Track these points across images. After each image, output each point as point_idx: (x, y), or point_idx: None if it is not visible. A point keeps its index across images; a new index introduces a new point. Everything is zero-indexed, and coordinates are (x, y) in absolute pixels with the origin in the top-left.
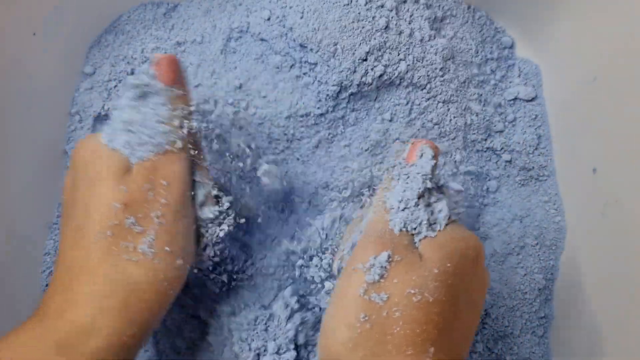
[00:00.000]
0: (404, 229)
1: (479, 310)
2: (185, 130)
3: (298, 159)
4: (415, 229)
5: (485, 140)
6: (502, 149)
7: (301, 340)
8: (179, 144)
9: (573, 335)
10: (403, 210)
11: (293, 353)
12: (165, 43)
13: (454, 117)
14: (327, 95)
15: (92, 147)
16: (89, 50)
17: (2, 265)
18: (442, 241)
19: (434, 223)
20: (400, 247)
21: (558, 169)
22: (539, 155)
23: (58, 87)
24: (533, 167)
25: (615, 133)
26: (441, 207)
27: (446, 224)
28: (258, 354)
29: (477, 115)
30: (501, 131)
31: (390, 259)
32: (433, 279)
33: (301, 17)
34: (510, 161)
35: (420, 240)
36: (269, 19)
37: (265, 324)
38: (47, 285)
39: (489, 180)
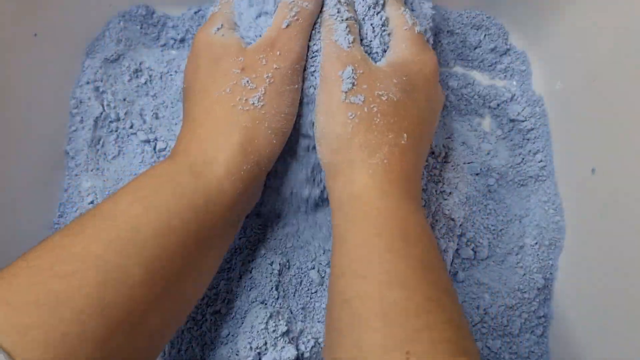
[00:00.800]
0: (351, 45)
1: (437, 117)
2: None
3: None
4: (362, 41)
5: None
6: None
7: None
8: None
9: (572, 335)
10: (346, 28)
11: (294, 351)
12: (164, 43)
13: None
14: None
15: (212, 34)
16: (88, 50)
17: (2, 265)
18: (400, 60)
19: (384, 35)
20: (357, 61)
21: (557, 169)
22: (538, 155)
23: (58, 87)
24: (533, 168)
25: (615, 133)
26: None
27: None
28: (259, 353)
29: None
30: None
31: (354, 72)
32: (393, 86)
33: None
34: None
35: (380, 59)
36: None
37: (266, 323)
38: None
39: (489, 178)
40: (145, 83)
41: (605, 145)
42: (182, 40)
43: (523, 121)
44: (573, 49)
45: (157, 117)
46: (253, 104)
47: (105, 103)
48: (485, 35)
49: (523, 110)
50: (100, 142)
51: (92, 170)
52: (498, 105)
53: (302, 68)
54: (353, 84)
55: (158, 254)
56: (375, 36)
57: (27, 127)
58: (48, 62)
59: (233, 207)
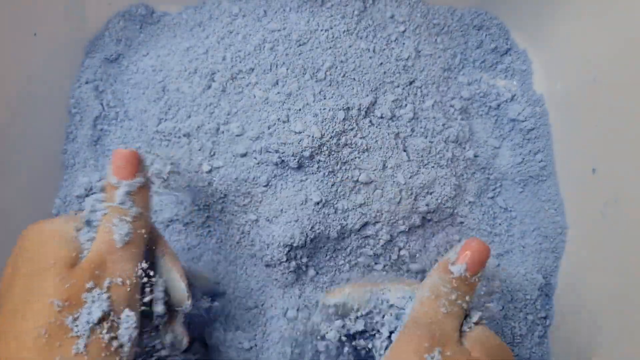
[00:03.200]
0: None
1: None
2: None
3: None
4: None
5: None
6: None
7: None
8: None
9: (573, 335)
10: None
11: None
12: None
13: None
14: None
15: (44, 233)
16: (88, 49)
17: (2, 265)
18: (489, 343)
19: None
20: (449, 339)
21: (558, 169)
22: (539, 155)
23: (58, 86)
24: (533, 168)
25: (615, 133)
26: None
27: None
28: None
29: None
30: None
31: (440, 354)
32: None
33: None
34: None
35: (466, 331)
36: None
37: None
38: None
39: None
40: None
41: (605, 145)
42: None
43: (523, 121)
44: (574, 49)
45: None
46: (77, 352)
47: (104, 102)
48: (486, 35)
49: (523, 110)
50: (100, 142)
51: (90, 169)
52: (499, 105)
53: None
54: None
55: None
56: None
57: (26, 127)
58: (48, 62)
59: None
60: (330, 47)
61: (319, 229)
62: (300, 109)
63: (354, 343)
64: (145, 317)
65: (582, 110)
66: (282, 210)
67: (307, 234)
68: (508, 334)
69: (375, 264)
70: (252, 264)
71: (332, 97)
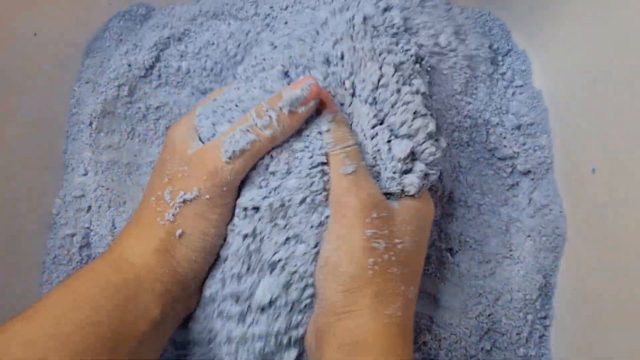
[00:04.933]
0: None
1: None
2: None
3: None
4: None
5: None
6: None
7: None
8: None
9: (573, 335)
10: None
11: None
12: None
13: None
14: None
15: (175, 131)
16: (88, 49)
17: (2, 265)
18: (412, 205)
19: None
20: (380, 203)
21: (557, 169)
22: (539, 155)
23: (58, 86)
24: (533, 168)
25: (615, 133)
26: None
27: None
28: None
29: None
30: (501, 130)
31: (378, 214)
32: (408, 234)
33: None
34: (511, 165)
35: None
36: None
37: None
38: (46, 283)
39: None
40: None
41: (605, 145)
42: (180, 39)
43: (523, 116)
44: (574, 49)
45: None
46: (168, 219)
47: (104, 102)
48: (488, 36)
49: (523, 109)
50: (100, 142)
51: (90, 169)
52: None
53: (235, 189)
54: (376, 230)
55: (82, 349)
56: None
57: (26, 126)
58: (48, 62)
59: (156, 307)
60: None
61: None
62: None
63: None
64: None
65: (582, 110)
66: None
67: None
68: (508, 334)
69: None
70: None
71: None
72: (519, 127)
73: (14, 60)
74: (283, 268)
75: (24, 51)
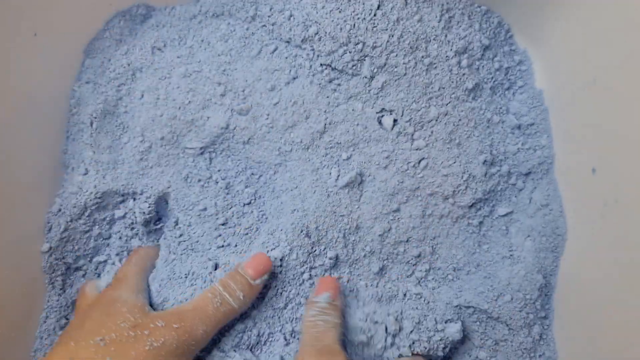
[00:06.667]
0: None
1: None
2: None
3: None
4: None
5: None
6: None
7: None
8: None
9: (573, 336)
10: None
11: None
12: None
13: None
14: None
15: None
16: (88, 49)
17: (1, 265)
18: None
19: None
20: (334, 350)
21: (558, 169)
22: (539, 155)
23: (58, 86)
24: (533, 167)
25: (615, 133)
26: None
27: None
28: None
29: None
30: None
31: None
32: None
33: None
34: (510, 168)
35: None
36: None
37: None
38: (46, 283)
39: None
40: None
41: (605, 145)
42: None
43: (524, 116)
44: (574, 49)
45: None
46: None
47: (103, 102)
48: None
49: (523, 109)
50: (100, 142)
51: (90, 169)
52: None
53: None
54: None
55: None
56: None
57: (26, 127)
58: (48, 62)
59: None
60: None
61: None
62: None
63: None
64: None
65: (582, 110)
66: None
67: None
68: (508, 334)
69: None
70: None
71: None
72: (519, 127)
73: (14, 61)
74: None
75: (24, 51)
